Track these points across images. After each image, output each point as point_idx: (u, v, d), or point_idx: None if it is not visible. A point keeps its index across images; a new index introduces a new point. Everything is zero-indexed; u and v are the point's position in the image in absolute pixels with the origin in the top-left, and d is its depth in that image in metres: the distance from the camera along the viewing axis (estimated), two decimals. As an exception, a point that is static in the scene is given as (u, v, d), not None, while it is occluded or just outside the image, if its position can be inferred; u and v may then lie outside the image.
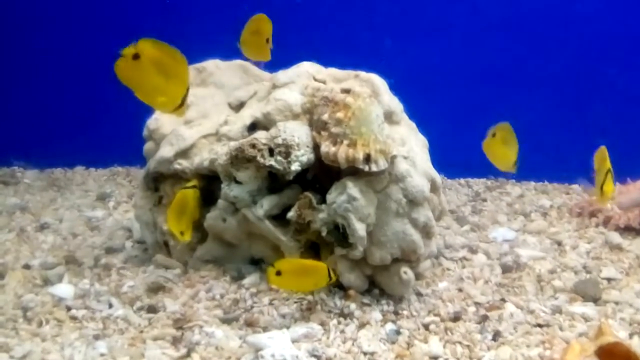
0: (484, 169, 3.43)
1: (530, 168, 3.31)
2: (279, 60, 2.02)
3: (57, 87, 3.39)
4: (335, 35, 3.29)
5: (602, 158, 1.73)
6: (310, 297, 1.72)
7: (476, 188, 3.22)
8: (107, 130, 3.23)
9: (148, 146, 2.00)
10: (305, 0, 3.29)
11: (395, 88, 1.99)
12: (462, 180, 3.39)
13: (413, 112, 2.05)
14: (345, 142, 1.62)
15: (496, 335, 1.56)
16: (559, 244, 2.28)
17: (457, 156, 3.28)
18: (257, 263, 1.89)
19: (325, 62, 2.04)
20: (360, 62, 1.97)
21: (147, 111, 2.09)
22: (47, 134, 3.32)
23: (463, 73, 3.32)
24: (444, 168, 3.38)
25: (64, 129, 3.35)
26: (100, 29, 3.32)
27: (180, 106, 1.44)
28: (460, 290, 1.84)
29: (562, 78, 3.27)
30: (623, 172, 2.70)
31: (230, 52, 2.02)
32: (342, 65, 1.99)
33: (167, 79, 1.37)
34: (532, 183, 3.34)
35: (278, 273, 1.52)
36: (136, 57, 1.31)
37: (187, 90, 1.43)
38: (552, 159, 3.30)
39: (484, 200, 2.96)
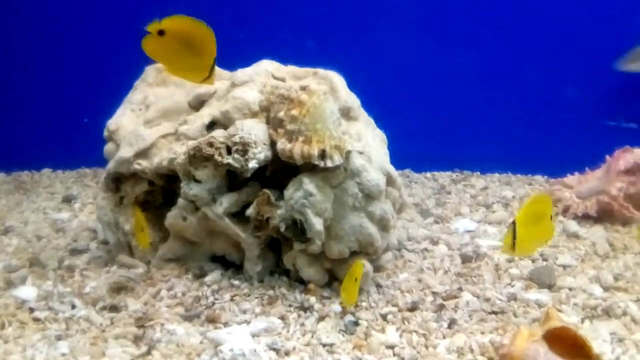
0: (450, 162, 3.50)
1: (495, 160, 3.39)
2: (240, 58, 2.04)
3: (23, 90, 3.38)
4: (297, 32, 3.31)
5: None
6: (271, 292, 1.75)
7: (441, 181, 3.27)
8: (74, 132, 3.23)
9: (108, 147, 2.01)
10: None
11: (362, 84, 2.02)
12: (428, 174, 3.44)
13: (380, 108, 2.09)
14: (301, 138, 1.65)
15: (452, 323, 1.61)
16: (518, 233, 2.33)
17: (423, 150, 3.34)
18: (219, 260, 1.91)
19: (287, 60, 2.07)
20: (327, 58, 2.00)
21: (113, 112, 2.11)
22: (14, 137, 3.31)
23: (429, 69, 3.36)
24: (411, 162, 3.45)
25: (30, 131, 3.34)
26: (65, 32, 3.31)
27: (208, 77, 1.47)
28: (419, 280, 1.87)
29: (524, 71, 3.33)
30: (583, 162, 2.77)
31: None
32: (311, 63, 2.02)
33: (193, 52, 1.41)
34: (497, 175, 3.40)
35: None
36: (161, 33, 1.34)
37: (215, 61, 1.45)
38: (515, 150, 3.36)
39: (449, 192, 3.01)
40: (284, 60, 2.05)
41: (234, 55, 1.90)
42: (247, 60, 2.02)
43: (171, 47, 1.38)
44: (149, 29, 1.34)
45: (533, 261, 2.05)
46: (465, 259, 2.05)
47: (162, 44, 1.36)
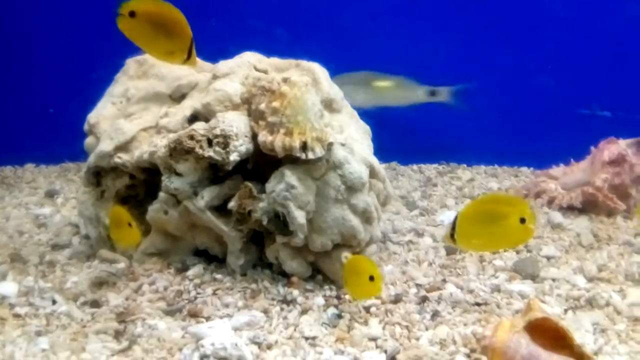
0: (437, 154, 3.50)
1: (481, 152, 3.39)
2: (219, 49, 2.02)
3: (4, 85, 3.33)
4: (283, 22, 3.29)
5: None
6: (254, 286, 1.74)
7: (428, 173, 3.27)
8: (57, 126, 3.19)
9: (89, 140, 1.99)
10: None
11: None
12: (414, 167, 3.44)
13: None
14: (282, 130, 1.64)
15: (434, 315, 1.60)
16: (503, 225, 2.33)
17: (410, 143, 3.34)
18: (202, 254, 1.89)
19: (270, 51, 2.05)
20: (309, 49, 1.99)
21: (94, 105, 2.08)
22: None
23: (414, 60, 3.35)
24: (398, 155, 3.45)
25: (12, 126, 3.30)
26: (45, 24, 3.28)
27: (188, 58, 1.46)
28: (403, 273, 1.87)
29: (509, 63, 3.33)
30: (568, 154, 2.78)
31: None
32: (293, 54, 2.01)
33: (167, 35, 1.40)
34: (483, 167, 3.41)
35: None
36: (132, 14, 1.33)
37: (192, 41, 1.44)
38: (501, 142, 3.37)
39: (435, 185, 3.00)
40: (265, 50, 2.04)
41: (211, 45, 1.88)
42: (228, 52, 2.00)
43: (145, 29, 1.37)
44: (120, 11, 1.33)
45: (517, 252, 2.05)
46: (450, 251, 2.05)
47: (136, 26, 1.36)
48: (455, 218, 1.44)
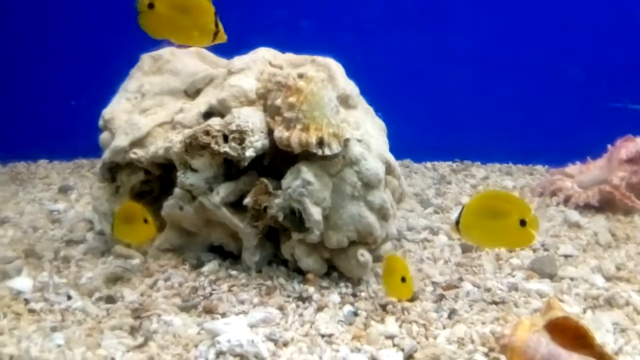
0: (451, 152, 3.47)
1: (495, 150, 3.37)
2: (237, 46, 2.00)
3: (19, 81, 3.35)
4: (294, 14, 3.28)
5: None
6: (269, 283, 1.72)
7: (442, 171, 3.25)
8: (71, 122, 3.20)
9: (104, 136, 1.99)
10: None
11: (362, 72, 1.99)
12: (428, 164, 3.42)
13: (380, 97, 2.06)
14: (298, 126, 1.62)
15: (452, 313, 1.59)
16: (519, 223, 2.31)
17: (424, 140, 3.32)
18: (217, 250, 1.88)
19: (288, 48, 2.04)
20: (325, 45, 1.97)
21: (109, 101, 2.08)
22: (9, 128, 3.28)
23: (429, 57, 3.34)
24: (411, 152, 3.43)
25: (26, 122, 3.31)
26: (60, 21, 3.28)
27: (217, 33, 1.44)
28: (419, 270, 1.85)
29: (524, 59, 3.30)
30: (584, 151, 2.75)
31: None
32: (309, 49, 1.99)
33: (190, 15, 1.39)
34: (497, 165, 3.38)
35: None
36: (151, 6, 1.31)
37: (215, 15, 1.42)
38: (516, 139, 3.34)
39: (449, 182, 2.98)
40: (281, 44, 2.03)
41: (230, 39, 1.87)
42: (243, 47, 1.99)
43: (166, 17, 1.36)
44: (138, 8, 1.32)
45: (534, 251, 2.03)
46: (466, 249, 2.03)
47: (156, 17, 1.34)
48: (462, 209, 1.43)
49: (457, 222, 1.42)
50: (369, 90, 2.03)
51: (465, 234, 1.44)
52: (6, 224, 2.32)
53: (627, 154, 2.47)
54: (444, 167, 3.37)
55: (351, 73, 1.96)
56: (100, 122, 2.00)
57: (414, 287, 1.56)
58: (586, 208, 2.48)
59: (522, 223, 1.34)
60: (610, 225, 2.29)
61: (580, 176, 2.65)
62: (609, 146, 2.60)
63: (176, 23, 1.37)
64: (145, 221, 1.70)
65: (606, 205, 2.47)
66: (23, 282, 1.78)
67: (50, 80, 3.29)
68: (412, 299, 1.66)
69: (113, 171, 1.93)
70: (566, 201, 2.55)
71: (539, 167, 3.32)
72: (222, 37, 1.48)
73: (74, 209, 2.48)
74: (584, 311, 1.63)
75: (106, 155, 1.91)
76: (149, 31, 1.36)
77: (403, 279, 1.49)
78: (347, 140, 1.67)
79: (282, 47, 2.03)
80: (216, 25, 1.42)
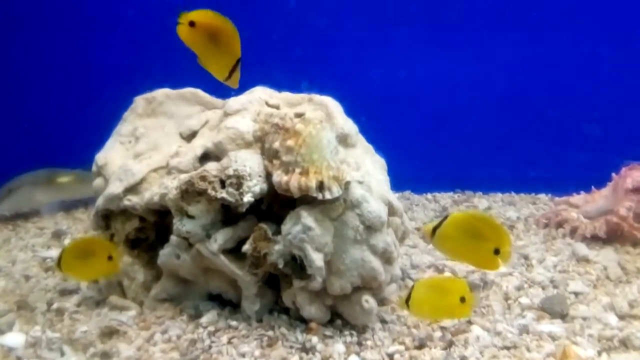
0: (451, 182, 3.42)
1: (497, 179, 3.32)
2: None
3: (8, 120, 3.31)
4: (294, 56, 3.26)
5: None
6: (270, 333, 1.65)
7: (443, 202, 3.19)
8: (64, 163, 3.16)
9: (97, 182, 1.92)
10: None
11: (360, 103, 1.94)
12: (429, 196, 3.36)
13: (378, 128, 2.01)
14: (297, 170, 1.57)
15: (462, 361, 1.52)
16: (526, 258, 2.25)
17: (423, 172, 3.27)
18: (215, 299, 1.81)
19: (281, 85, 2.00)
20: (322, 80, 1.93)
21: (102, 142, 2.03)
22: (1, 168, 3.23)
23: (428, 89, 3.31)
24: (412, 183, 3.38)
25: (17, 163, 3.25)
26: (50, 63, 3.26)
27: (229, 77, 1.45)
28: (426, 314, 1.78)
29: (527, 91, 3.28)
30: (589, 181, 2.70)
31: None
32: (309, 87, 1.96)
33: (219, 48, 1.40)
34: (499, 194, 3.33)
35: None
36: (192, 24, 1.36)
37: (238, 61, 1.43)
38: (518, 169, 3.30)
39: (451, 215, 2.92)
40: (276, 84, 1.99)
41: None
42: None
43: (199, 39, 1.38)
44: (180, 20, 1.35)
45: (543, 288, 1.97)
46: (473, 288, 1.96)
47: (194, 35, 1.38)
48: (444, 217, 1.46)
49: (434, 229, 1.45)
50: (368, 121, 1.98)
51: (438, 244, 1.47)
52: (-2, 274, 2.25)
53: (633, 184, 2.42)
54: (445, 198, 3.32)
55: (348, 106, 1.92)
56: (94, 168, 1.94)
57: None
58: (593, 240, 2.42)
59: (496, 252, 1.39)
60: (619, 258, 2.22)
61: (586, 206, 2.60)
62: (614, 175, 2.55)
63: (206, 48, 1.40)
64: (110, 258, 1.67)
65: (614, 236, 2.41)
66: (15, 338, 1.71)
67: (43, 119, 3.27)
68: (420, 346, 1.59)
69: (107, 219, 1.87)
70: (572, 233, 2.49)
71: (542, 196, 3.27)
72: (234, 83, 1.48)
73: (68, 255, 2.41)
74: (599, 354, 1.57)
75: (100, 202, 1.85)
76: (186, 41, 1.39)
77: (462, 299, 1.43)
78: (347, 183, 1.61)
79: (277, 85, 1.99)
80: (233, 70, 1.43)
